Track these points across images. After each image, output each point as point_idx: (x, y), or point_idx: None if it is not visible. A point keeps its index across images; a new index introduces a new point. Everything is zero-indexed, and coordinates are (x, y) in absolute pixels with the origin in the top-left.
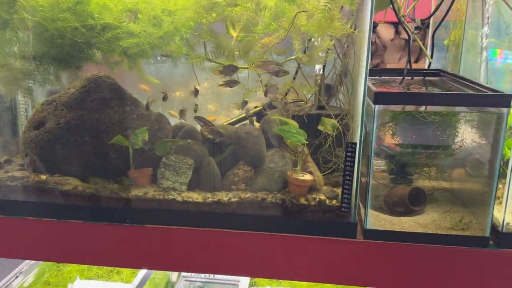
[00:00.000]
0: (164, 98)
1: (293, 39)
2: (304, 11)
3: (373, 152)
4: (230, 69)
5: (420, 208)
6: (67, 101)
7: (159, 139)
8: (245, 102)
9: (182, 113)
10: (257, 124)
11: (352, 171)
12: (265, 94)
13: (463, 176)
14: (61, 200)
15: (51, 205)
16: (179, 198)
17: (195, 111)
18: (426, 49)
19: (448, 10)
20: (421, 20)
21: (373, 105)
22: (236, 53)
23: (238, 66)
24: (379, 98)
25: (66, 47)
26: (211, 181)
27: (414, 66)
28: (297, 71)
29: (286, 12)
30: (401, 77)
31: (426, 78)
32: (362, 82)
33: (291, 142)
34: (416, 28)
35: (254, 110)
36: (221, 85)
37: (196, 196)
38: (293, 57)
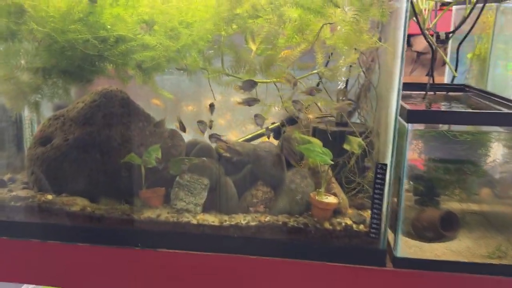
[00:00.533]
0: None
1: (316, 52)
2: (330, 23)
3: (406, 174)
4: (250, 84)
5: (452, 233)
6: (76, 116)
7: (173, 157)
8: (261, 118)
9: (201, 124)
10: (274, 141)
11: (382, 194)
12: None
13: (496, 198)
14: (68, 222)
15: (57, 226)
16: (194, 221)
17: (210, 128)
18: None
19: (474, 23)
20: (445, 33)
21: (405, 124)
22: (257, 67)
23: (261, 81)
24: (413, 116)
25: (76, 60)
26: (228, 203)
27: (424, 80)
28: (318, 84)
29: (310, 25)
30: (421, 92)
31: (450, 93)
32: (394, 99)
33: (313, 161)
34: (441, 41)
35: (271, 126)
36: (239, 103)
37: (212, 219)
38: (315, 71)
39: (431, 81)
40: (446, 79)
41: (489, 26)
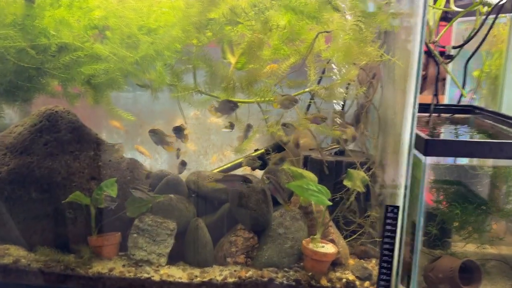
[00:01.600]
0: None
1: (309, 67)
2: (327, 32)
3: (423, 217)
4: (228, 107)
5: (473, 287)
6: (12, 143)
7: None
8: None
9: (181, 167)
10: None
11: (393, 243)
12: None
13: None
14: None
15: None
16: (156, 277)
17: (178, 157)
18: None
19: (485, 36)
20: (453, 47)
21: (422, 157)
22: (237, 84)
23: (242, 100)
24: (432, 147)
25: (8, 74)
26: (200, 252)
27: (425, 99)
28: (309, 105)
29: (302, 33)
30: (423, 114)
31: (457, 115)
32: (408, 126)
33: (304, 200)
34: (447, 57)
35: (254, 154)
36: (226, 128)
37: (179, 274)
38: (307, 89)
39: (435, 101)
40: (446, 99)
41: (501, 40)
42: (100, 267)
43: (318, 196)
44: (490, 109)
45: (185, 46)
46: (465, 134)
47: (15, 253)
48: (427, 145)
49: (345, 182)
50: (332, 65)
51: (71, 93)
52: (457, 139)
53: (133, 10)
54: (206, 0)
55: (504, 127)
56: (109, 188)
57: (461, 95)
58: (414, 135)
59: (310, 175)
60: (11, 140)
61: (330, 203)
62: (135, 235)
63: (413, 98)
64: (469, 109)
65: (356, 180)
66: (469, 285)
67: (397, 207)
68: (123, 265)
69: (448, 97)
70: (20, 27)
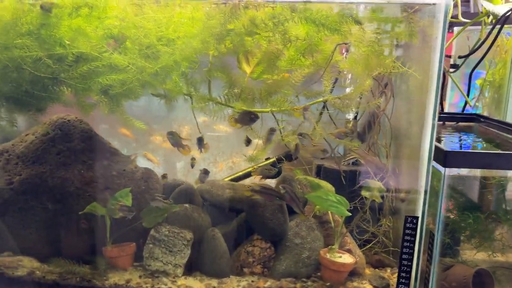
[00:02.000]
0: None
1: (325, 77)
2: (345, 43)
3: (441, 227)
4: (249, 118)
5: None
6: (23, 153)
7: (148, 203)
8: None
9: (203, 175)
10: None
11: (412, 253)
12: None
13: None
14: None
15: None
16: None
17: (192, 166)
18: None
19: (490, 46)
20: (459, 56)
21: (442, 168)
22: (256, 94)
23: (262, 110)
24: (452, 159)
25: (24, 84)
26: (217, 262)
27: None
28: (321, 113)
29: (319, 44)
30: None
31: (461, 123)
32: (428, 136)
33: (319, 210)
34: (453, 66)
35: (265, 163)
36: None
37: (196, 285)
38: (321, 99)
39: (440, 109)
40: (446, 106)
41: (504, 50)
42: (116, 278)
43: (338, 207)
44: (495, 118)
45: (202, 56)
46: (474, 144)
47: (29, 265)
48: (447, 157)
49: (363, 193)
50: (346, 74)
51: (85, 103)
52: (477, 151)
53: (152, 21)
54: (228, 12)
55: (510, 136)
56: (124, 198)
57: (466, 103)
58: (433, 146)
59: (327, 185)
60: (23, 149)
61: (350, 214)
62: (151, 245)
63: (433, 110)
64: (474, 117)
65: (374, 190)
66: None
67: (417, 218)
68: (140, 276)
69: (447, 104)
70: (36, 36)
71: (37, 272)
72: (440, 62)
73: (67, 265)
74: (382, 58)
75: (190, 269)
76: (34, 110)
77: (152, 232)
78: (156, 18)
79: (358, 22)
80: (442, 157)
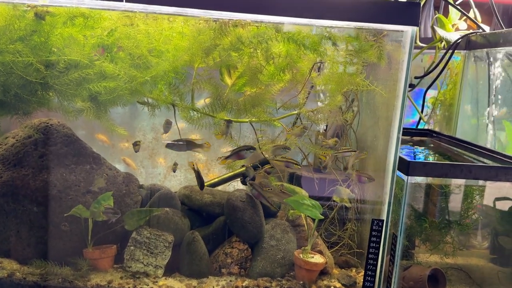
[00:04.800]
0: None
1: (300, 92)
2: (321, 62)
3: (403, 230)
4: (227, 126)
5: None
6: (4, 155)
7: (128, 207)
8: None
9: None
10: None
11: (377, 254)
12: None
13: (479, 252)
14: None
15: None
16: None
17: (174, 171)
18: None
19: (443, 69)
20: (415, 77)
21: (405, 177)
22: (241, 106)
23: (239, 120)
24: (414, 169)
25: (14, 88)
26: (197, 264)
27: None
28: (294, 124)
29: (298, 62)
30: None
31: (415, 138)
32: (393, 148)
33: (292, 214)
34: (409, 85)
35: (238, 170)
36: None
37: (177, 285)
38: (295, 112)
39: None
40: None
41: (454, 72)
42: (98, 279)
43: (312, 210)
44: (446, 134)
45: (188, 68)
46: (427, 156)
47: (9, 267)
48: (410, 167)
49: (334, 198)
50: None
51: (72, 108)
52: (435, 161)
53: (144, 33)
54: (218, 29)
55: (460, 150)
56: (106, 201)
57: (420, 119)
58: (398, 157)
59: (302, 191)
60: (3, 152)
61: (323, 217)
62: (132, 247)
63: (398, 124)
64: (427, 132)
65: (343, 195)
66: None
67: (382, 221)
68: (121, 277)
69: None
70: (28, 42)
71: (18, 273)
72: (406, 82)
73: (48, 267)
74: (353, 77)
75: (171, 270)
76: (21, 113)
77: (133, 234)
78: (147, 30)
79: (335, 44)
80: (406, 167)
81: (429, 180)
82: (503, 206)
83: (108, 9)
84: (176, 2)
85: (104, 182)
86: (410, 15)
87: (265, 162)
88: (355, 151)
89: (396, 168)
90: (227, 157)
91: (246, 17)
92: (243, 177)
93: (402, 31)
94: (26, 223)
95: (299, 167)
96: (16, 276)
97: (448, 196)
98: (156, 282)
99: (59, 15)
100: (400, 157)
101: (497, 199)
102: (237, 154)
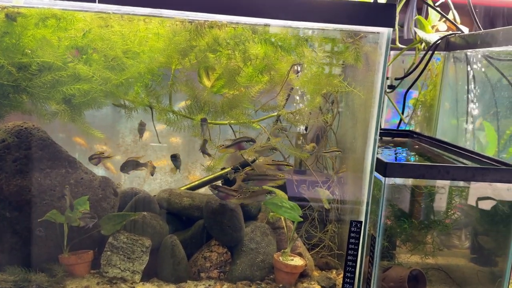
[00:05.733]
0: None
1: (279, 94)
2: (298, 64)
3: (381, 232)
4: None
5: None
6: None
7: (105, 211)
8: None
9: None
10: None
11: (356, 255)
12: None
13: (459, 252)
14: None
15: None
16: None
17: (152, 174)
18: None
19: (423, 70)
20: (395, 78)
21: (382, 178)
22: (218, 108)
23: (221, 122)
24: (391, 170)
25: None
26: (175, 268)
27: None
28: (274, 126)
29: (276, 64)
30: None
31: (395, 139)
32: (371, 149)
33: (273, 216)
34: (390, 87)
35: (219, 173)
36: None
37: None
38: (275, 114)
39: None
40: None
41: (435, 73)
42: (74, 285)
43: (291, 213)
44: (427, 135)
45: (164, 70)
46: (408, 157)
47: None
48: (387, 168)
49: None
50: (298, 91)
51: (46, 111)
52: (412, 163)
53: (119, 35)
54: (193, 30)
55: (439, 151)
56: (82, 206)
57: (400, 120)
58: (375, 158)
59: (281, 193)
60: None
61: (302, 219)
62: (109, 252)
63: (375, 125)
64: (408, 133)
65: (322, 197)
66: None
67: (361, 222)
68: (97, 283)
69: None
70: None
71: None
72: (382, 83)
73: (22, 273)
74: (331, 78)
75: (148, 275)
76: None
77: (110, 239)
78: (122, 31)
79: (312, 45)
80: (383, 168)
81: (410, 181)
82: (485, 206)
83: (81, 10)
84: (150, 3)
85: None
86: (386, 17)
87: (245, 164)
88: (340, 151)
89: (374, 169)
90: (228, 146)
91: (222, 18)
92: (224, 179)
93: (378, 32)
94: (0, 229)
95: (292, 167)
96: None
97: (429, 196)
98: (133, 287)
99: (31, 16)
100: (377, 159)
101: (480, 199)
102: (238, 144)
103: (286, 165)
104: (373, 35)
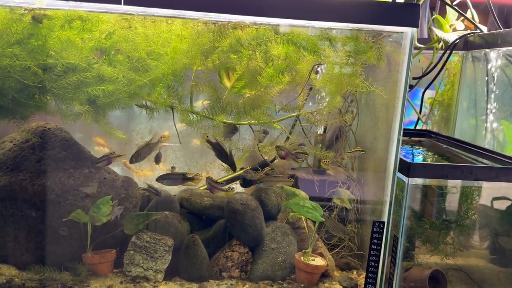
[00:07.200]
0: None
1: (300, 94)
2: (320, 64)
3: (404, 232)
4: (229, 130)
5: None
6: (1, 160)
7: (127, 211)
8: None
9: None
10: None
11: (379, 256)
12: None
13: (478, 253)
14: None
15: None
16: None
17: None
18: None
19: (441, 69)
20: (413, 78)
21: (405, 178)
22: (241, 108)
23: (241, 122)
24: (415, 170)
25: (11, 92)
26: (197, 268)
27: None
28: (293, 126)
29: (297, 64)
30: None
31: (413, 138)
32: (394, 149)
33: (293, 216)
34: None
35: (238, 173)
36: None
37: None
38: (295, 114)
39: None
40: None
41: (453, 73)
42: (98, 284)
43: (313, 213)
44: (445, 134)
45: (187, 71)
46: (426, 157)
47: (7, 273)
48: (410, 168)
49: (335, 200)
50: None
51: (70, 112)
52: (436, 163)
53: (142, 36)
54: (217, 31)
55: (458, 150)
56: (105, 205)
57: (418, 120)
58: (398, 159)
59: (302, 193)
60: (1, 157)
61: (324, 220)
62: (132, 252)
63: (398, 126)
64: (425, 133)
65: (344, 197)
66: None
67: (383, 223)
68: (121, 282)
69: None
70: (25, 46)
71: (16, 279)
72: (406, 83)
73: (47, 272)
74: (353, 78)
75: (171, 274)
76: (19, 118)
77: (133, 239)
78: (146, 33)
79: (334, 45)
80: (406, 168)
81: (428, 181)
82: (502, 206)
83: (106, 12)
84: (174, 5)
85: (96, 187)
86: (409, 16)
87: (264, 164)
88: (364, 151)
89: (397, 170)
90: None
91: (245, 19)
92: (242, 179)
93: (401, 32)
94: (25, 228)
95: (307, 155)
96: (14, 282)
97: (448, 197)
98: (156, 286)
99: (57, 18)
100: (400, 159)
101: (495, 198)
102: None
103: (303, 153)
104: (396, 35)
